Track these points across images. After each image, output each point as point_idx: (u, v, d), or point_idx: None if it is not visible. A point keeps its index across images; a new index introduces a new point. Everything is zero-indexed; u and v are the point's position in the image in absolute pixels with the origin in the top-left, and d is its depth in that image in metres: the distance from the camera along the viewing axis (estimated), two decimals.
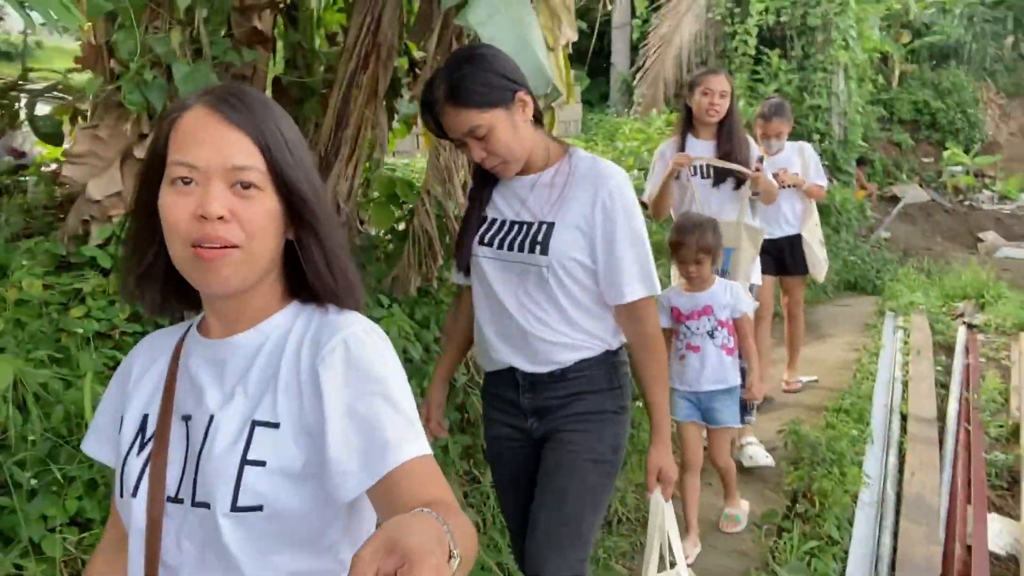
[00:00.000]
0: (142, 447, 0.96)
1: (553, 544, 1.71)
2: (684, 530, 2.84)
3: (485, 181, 1.81)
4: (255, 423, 0.91)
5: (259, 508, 0.88)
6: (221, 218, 0.86)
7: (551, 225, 1.68)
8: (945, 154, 15.62)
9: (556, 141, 1.80)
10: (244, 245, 0.89)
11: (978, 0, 18.59)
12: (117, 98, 2.67)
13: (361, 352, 0.92)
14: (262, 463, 0.89)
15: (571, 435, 1.76)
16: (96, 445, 1.06)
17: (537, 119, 1.73)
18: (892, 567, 2.97)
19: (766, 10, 10.98)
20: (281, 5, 3.52)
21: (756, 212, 3.50)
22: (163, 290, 0.98)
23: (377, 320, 2.75)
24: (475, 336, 1.89)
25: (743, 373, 3.01)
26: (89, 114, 2.94)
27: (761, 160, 3.40)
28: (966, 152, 15.60)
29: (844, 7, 10.92)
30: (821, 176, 4.37)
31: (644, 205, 4.99)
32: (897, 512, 3.35)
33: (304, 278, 0.97)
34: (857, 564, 2.95)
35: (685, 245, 2.78)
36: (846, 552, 3.00)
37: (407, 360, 2.75)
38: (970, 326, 6.49)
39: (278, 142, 0.91)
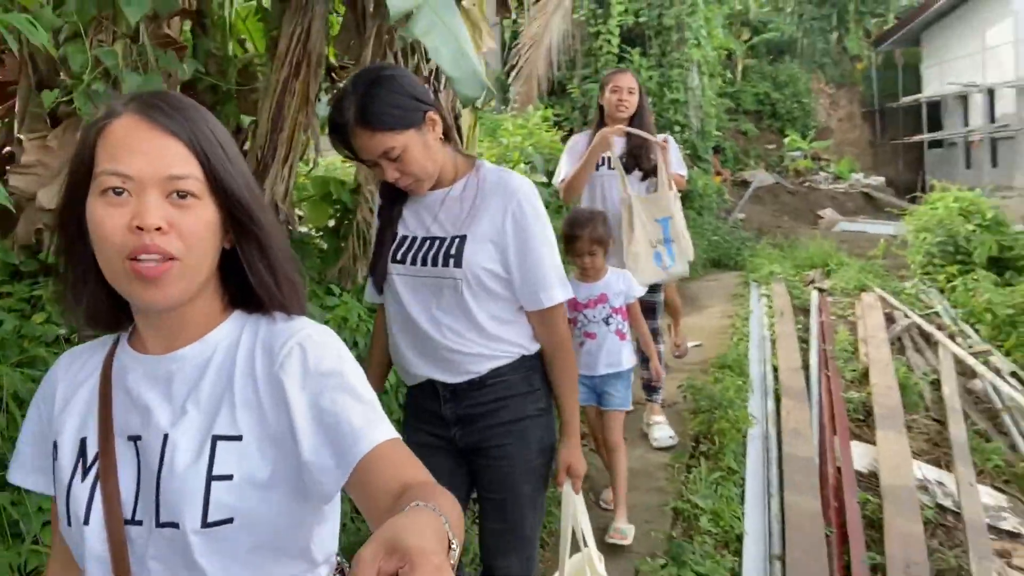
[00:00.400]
0: (86, 472, 0.91)
1: (500, 551, 1.84)
2: (616, 503, 3.04)
3: (394, 199, 1.81)
4: (216, 437, 0.89)
5: (230, 521, 0.87)
6: (159, 229, 0.84)
7: (463, 238, 1.69)
8: (785, 140, 17.22)
9: (462, 155, 1.82)
10: (183, 256, 0.86)
11: None
12: (43, 111, 2.76)
13: (317, 352, 0.91)
14: (229, 477, 0.87)
15: (498, 450, 1.79)
16: (22, 473, 1.00)
17: (446, 135, 1.74)
18: (780, 487, 3.55)
19: (626, 11, 11.76)
20: (192, 11, 3.63)
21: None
22: (96, 304, 0.94)
23: (332, 308, 3.00)
24: (392, 353, 1.87)
25: (643, 357, 3.26)
26: (16, 125, 2.97)
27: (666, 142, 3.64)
28: (803, 138, 17.24)
29: (694, 8, 11.87)
30: (682, 166, 4.46)
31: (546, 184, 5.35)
32: (779, 444, 3.96)
33: (244, 286, 0.94)
34: (753, 488, 3.51)
35: (579, 238, 2.84)
36: (743, 479, 3.55)
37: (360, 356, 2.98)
38: (820, 290, 7.43)
39: (214, 149, 0.89)
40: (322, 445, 0.86)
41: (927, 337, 6.21)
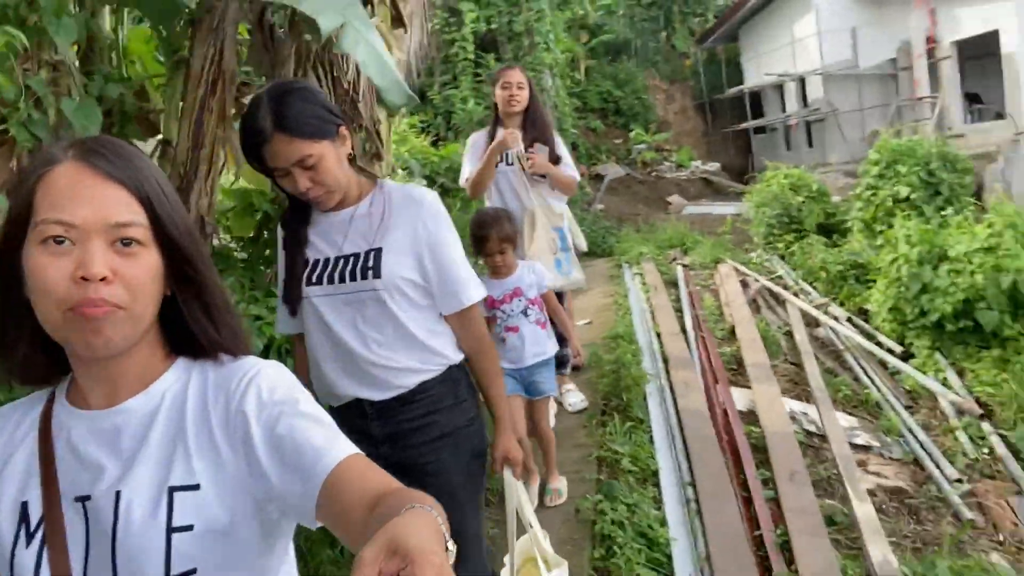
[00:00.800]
0: (30, 538, 0.87)
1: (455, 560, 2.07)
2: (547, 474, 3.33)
3: (297, 226, 1.80)
4: (172, 489, 0.86)
5: (193, 572, 0.85)
6: (104, 279, 0.82)
7: (379, 250, 1.70)
8: (631, 135, 18.43)
9: (364, 174, 1.85)
10: (128, 306, 0.84)
11: (636, 2, 21.94)
12: None
13: (269, 384, 0.91)
14: (189, 527, 0.85)
15: (434, 465, 1.79)
16: None
17: (350, 157, 1.76)
18: (681, 429, 4.10)
19: (478, 18, 12.26)
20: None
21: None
22: (30, 357, 0.90)
23: (258, 319, 3.17)
24: (314, 379, 1.84)
25: (560, 339, 3.48)
26: None
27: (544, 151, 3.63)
28: (646, 131, 18.54)
29: (541, 15, 12.58)
30: (574, 168, 4.45)
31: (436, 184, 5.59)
32: (673, 395, 4.53)
33: (184, 332, 0.93)
34: (659, 432, 4.03)
35: (489, 239, 2.88)
36: (650, 426, 4.07)
37: None
38: (683, 266, 8.24)
39: (158, 195, 0.88)
40: (287, 472, 0.85)
41: (776, 297, 7.11)
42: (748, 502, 3.42)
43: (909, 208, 7.21)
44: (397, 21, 4.07)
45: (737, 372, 5.21)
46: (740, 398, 4.70)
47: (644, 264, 8.16)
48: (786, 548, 3.09)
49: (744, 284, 7.30)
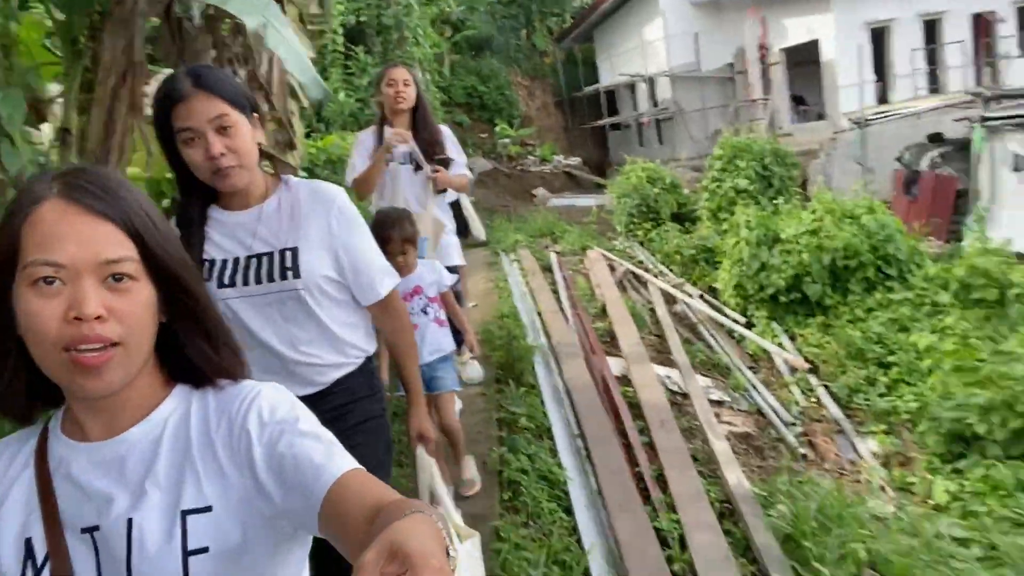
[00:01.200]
0: (37, 574, 0.86)
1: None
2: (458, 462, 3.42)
3: (191, 223, 1.73)
4: (185, 512, 0.87)
5: None
6: (98, 317, 0.81)
7: (295, 249, 1.69)
8: (496, 129, 19.02)
9: (269, 173, 1.80)
10: (124, 341, 0.84)
11: (496, 0, 22.54)
12: None
13: (270, 404, 0.92)
14: (205, 549, 0.86)
15: (351, 451, 2.01)
16: None
17: (260, 150, 1.73)
18: (567, 392, 4.63)
19: (346, 11, 12.33)
20: None
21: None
22: (11, 393, 0.89)
23: None
24: None
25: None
26: None
27: (442, 160, 3.59)
28: (510, 126, 19.20)
29: (409, 9, 12.82)
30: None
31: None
32: (558, 364, 5.06)
33: (182, 358, 0.94)
34: (549, 394, 4.53)
35: (391, 239, 2.88)
36: (540, 390, 4.57)
37: None
38: (556, 252, 8.86)
39: (148, 227, 0.87)
40: (288, 489, 0.86)
41: (639, 279, 7.87)
42: (628, 447, 3.98)
43: (748, 198, 8.20)
44: (300, 21, 4.29)
45: (610, 344, 5.83)
46: (615, 365, 5.31)
47: (520, 251, 8.70)
48: (661, 480, 3.67)
49: (611, 268, 8.00)
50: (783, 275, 6.38)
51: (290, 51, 3.20)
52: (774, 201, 7.91)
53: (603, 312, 6.54)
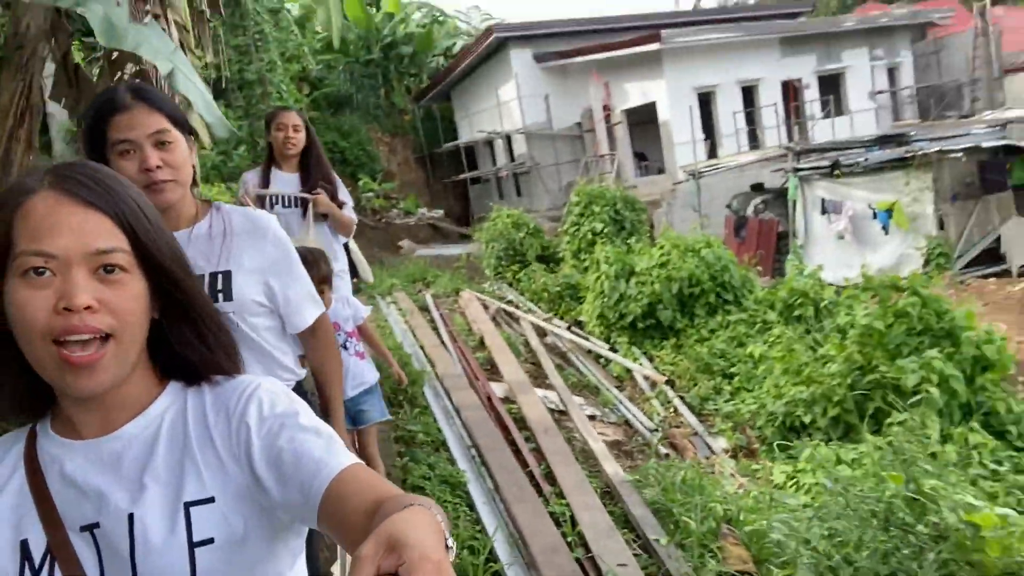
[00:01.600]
0: (36, 575, 0.85)
1: None
2: None
3: None
4: (188, 504, 0.86)
5: None
6: (88, 308, 0.80)
7: (227, 273, 1.68)
8: (360, 184, 19.31)
9: (198, 198, 1.81)
10: (116, 333, 0.82)
11: (354, 59, 23.06)
12: None
13: (269, 398, 0.91)
14: (210, 540, 0.86)
15: None
16: None
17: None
18: (457, 412, 5.00)
19: (206, 65, 12.32)
20: None
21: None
22: (18, 391, 0.89)
23: None
24: None
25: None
26: None
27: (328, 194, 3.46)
28: (374, 180, 19.56)
29: (272, 66, 13.04)
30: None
31: None
32: (446, 390, 5.42)
33: (174, 355, 0.93)
34: (440, 413, 4.89)
35: (310, 279, 3.04)
36: (432, 411, 4.91)
37: None
38: (432, 295, 9.26)
39: (139, 218, 0.86)
40: (287, 484, 0.85)
41: (511, 315, 8.41)
42: (518, 453, 4.40)
43: (604, 239, 9.03)
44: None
45: (491, 371, 6.28)
46: (498, 389, 5.75)
47: (396, 294, 9.03)
48: (549, 476, 4.11)
49: (485, 306, 8.51)
50: (639, 304, 7.14)
51: (197, 93, 3.48)
52: (627, 241, 8.77)
53: (481, 344, 7.00)
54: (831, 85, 17.16)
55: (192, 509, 0.86)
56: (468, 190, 22.07)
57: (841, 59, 17.06)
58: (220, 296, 1.69)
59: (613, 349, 7.32)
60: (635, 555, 3.27)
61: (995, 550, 2.19)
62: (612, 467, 4.23)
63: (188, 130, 1.66)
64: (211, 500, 0.87)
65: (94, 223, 0.82)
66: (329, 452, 0.85)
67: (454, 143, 21.52)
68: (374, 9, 23.47)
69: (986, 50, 16.28)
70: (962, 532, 2.18)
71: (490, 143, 20.66)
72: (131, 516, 0.85)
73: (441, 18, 25.65)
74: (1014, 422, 4.61)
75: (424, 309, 8.35)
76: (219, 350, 0.94)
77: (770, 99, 16.35)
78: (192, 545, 0.85)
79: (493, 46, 18.18)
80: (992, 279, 9.44)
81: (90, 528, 0.86)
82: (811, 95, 16.87)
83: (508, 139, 19.36)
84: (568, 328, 7.94)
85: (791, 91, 16.71)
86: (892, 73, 17.91)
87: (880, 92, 17.58)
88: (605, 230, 9.06)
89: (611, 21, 18.49)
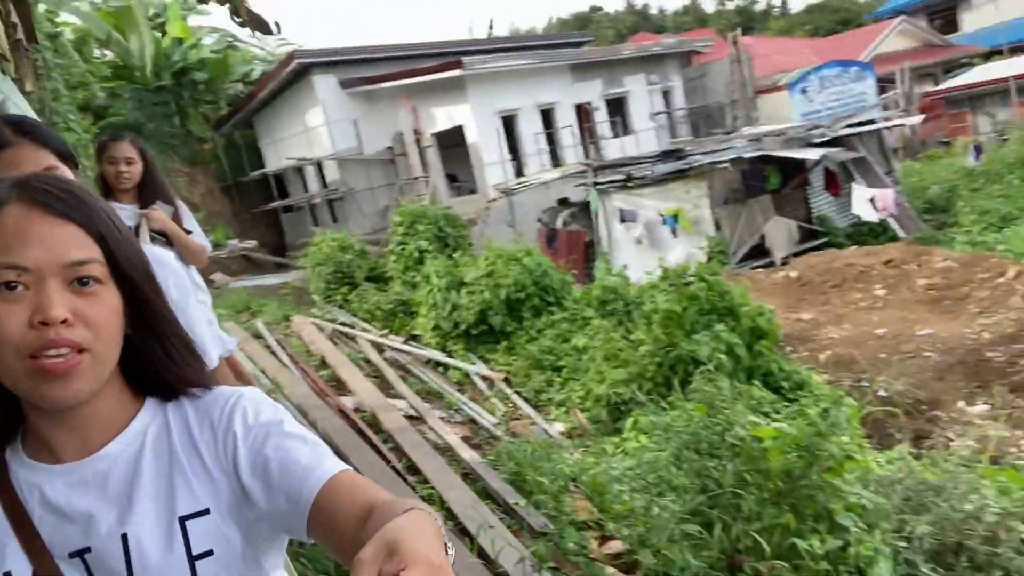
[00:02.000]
0: None
1: None
2: None
3: None
4: (183, 518, 0.85)
5: None
6: (64, 321, 0.78)
7: None
8: None
9: None
10: (92, 346, 0.80)
11: (142, 87, 21.77)
12: None
13: (254, 407, 0.91)
14: (210, 552, 0.85)
15: None
16: None
17: None
18: (313, 425, 5.20)
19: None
20: None
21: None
22: None
23: None
24: None
25: None
26: None
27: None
28: None
29: (57, 95, 12.13)
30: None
31: None
32: (298, 406, 5.59)
33: (147, 372, 0.91)
34: None
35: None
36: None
37: None
38: (263, 323, 9.20)
39: (111, 231, 0.84)
40: (274, 492, 0.84)
41: (347, 335, 8.61)
42: (379, 451, 4.72)
43: (430, 256, 9.50)
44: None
45: (338, 388, 6.49)
46: (348, 401, 6.00)
47: (225, 323, 8.86)
48: (411, 470, 4.47)
49: (320, 328, 8.63)
50: (471, 312, 7.67)
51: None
52: (452, 256, 9.30)
53: (323, 364, 7.17)
54: (617, 107, 18.99)
55: (188, 523, 0.86)
56: (280, 219, 21.61)
57: (623, 84, 18.93)
58: None
59: (451, 357, 7.79)
60: (500, 519, 3.74)
61: (775, 456, 2.91)
62: (468, 453, 4.68)
63: (75, 163, 1.61)
64: (206, 512, 0.87)
65: (67, 234, 0.81)
66: (317, 459, 0.85)
67: (261, 171, 21.02)
68: (159, 34, 22.33)
69: (740, 74, 18.85)
70: (750, 445, 2.88)
71: (300, 170, 20.41)
72: (124, 536, 0.84)
73: (236, 44, 24.91)
74: (784, 379, 5.66)
75: (257, 336, 8.32)
76: (186, 365, 0.93)
77: (566, 120, 17.75)
78: (192, 559, 0.85)
79: (296, 72, 18.08)
80: (761, 270, 11.11)
81: (80, 554, 0.85)
82: (601, 116, 18.53)
83: (319, 165, 19.28)
84: (405, 342, 8.30)
85: (583, 113, 18.25)
86: (667, 96, 20.12)
87: (658, 113, 19.70)
88: (431, 247, 9.53)
89: (414, 48, 19.11)
